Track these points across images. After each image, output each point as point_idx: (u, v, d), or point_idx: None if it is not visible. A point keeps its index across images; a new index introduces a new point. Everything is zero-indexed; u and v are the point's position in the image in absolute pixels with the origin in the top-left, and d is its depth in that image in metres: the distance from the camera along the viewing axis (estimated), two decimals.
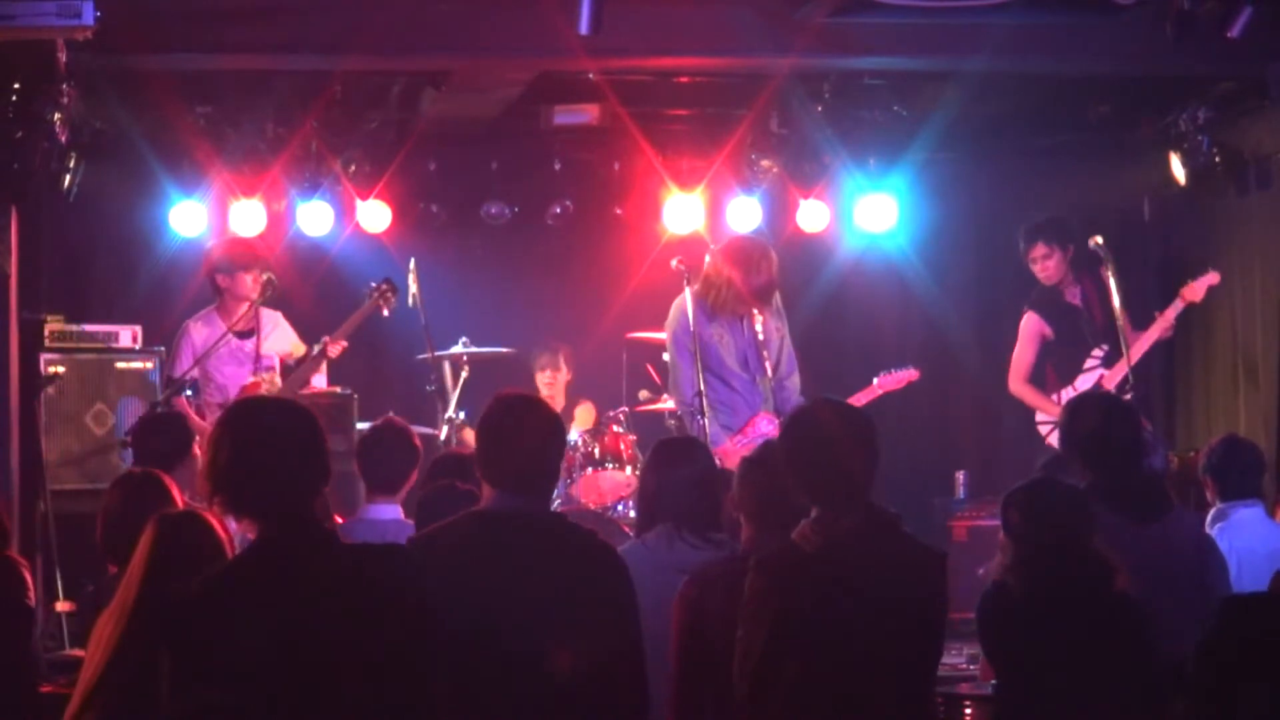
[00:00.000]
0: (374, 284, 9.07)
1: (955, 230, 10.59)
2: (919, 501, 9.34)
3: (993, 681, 4.97)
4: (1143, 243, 10.57)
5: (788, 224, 10.42)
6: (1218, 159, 9.29)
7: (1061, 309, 9.09)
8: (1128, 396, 8.31)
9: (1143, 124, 9.91)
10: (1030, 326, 9.15)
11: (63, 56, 7.56)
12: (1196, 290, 8.81)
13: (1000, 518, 4.81)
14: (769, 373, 8.24)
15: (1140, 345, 8.87)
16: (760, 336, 8.25)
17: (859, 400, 8.51)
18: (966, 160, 10.48)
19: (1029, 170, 10.29)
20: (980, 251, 10.83)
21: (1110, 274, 8.51)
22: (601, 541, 4.35)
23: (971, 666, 6.76)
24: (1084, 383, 8.90)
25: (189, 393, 8.86)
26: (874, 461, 4.34)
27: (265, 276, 8.96)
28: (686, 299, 8.23)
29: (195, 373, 8.91)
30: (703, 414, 8.05)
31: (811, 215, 10.30)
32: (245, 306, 8.99)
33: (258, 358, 9.01)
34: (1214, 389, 10.05)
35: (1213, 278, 8.88)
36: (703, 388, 8.11)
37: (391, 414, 7.24)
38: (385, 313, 9.05)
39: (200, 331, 9.00)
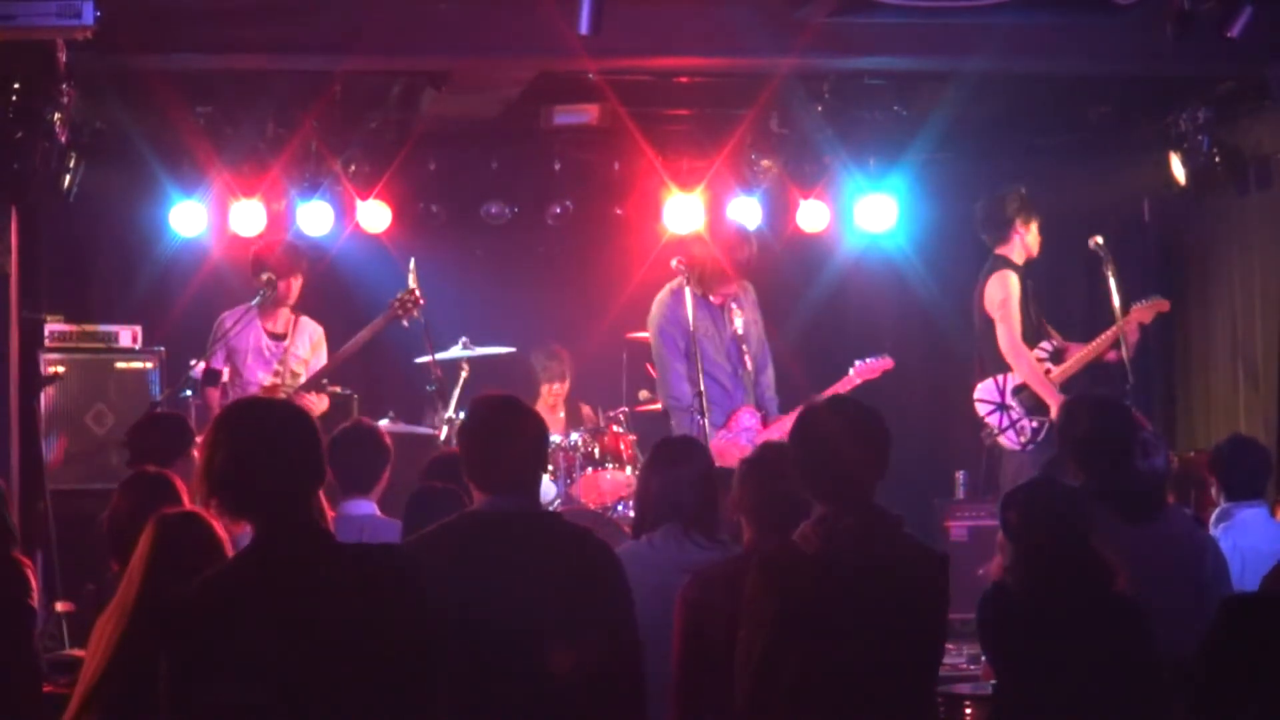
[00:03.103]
0: (399, 294, 8.96)
1: (955, 230, 10.57)
2: (919, 501, 9.35)
3: (993, 681, 4.97)
4: (1143, 243, 10.57)
5: (788, 224, 10.43)
6: (1218, 159, 9.29)
7: (1022, 288, 8.80)
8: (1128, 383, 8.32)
9: (1143, 124, 9.92)
10: (1013, 285, 8.66)
11: (63, 56, 7.55)
12: (1145, 313, 8.68)
13: (999, 518, 4.81)
14: (748, 366, 8.28)
15: (1093, 349, 8.72)
16: (740, 331, 8.30)
17: (837, 390, 8.53)
18: (966, 160, 10.47)
19: (1029, 170, 10.28)
20: (980, 251, 10.81)
21: (1110, 274, 8.50)
22: (597, 539, 4.36)
23: (972, 666, 6.77)
24: None
25: (187, 391, 8.91)
26: (879, 463, 4.32)
27: (265, 276, 8.97)
28: (686, 293, 8.25)
29: (222, 363, 8.95)
30: (703, 413, 8.07)
31: (811, 215, 10.31)
32: (283, 310, 9.05)
33: (284, 361, 9.02)
34: (1214, 389, 10.05)
35: (1162, 305, 8.77)
36: (703, 387, 8.15)
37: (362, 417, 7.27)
38: (405, 324, 8.99)
39: (232, 322, 8.98)
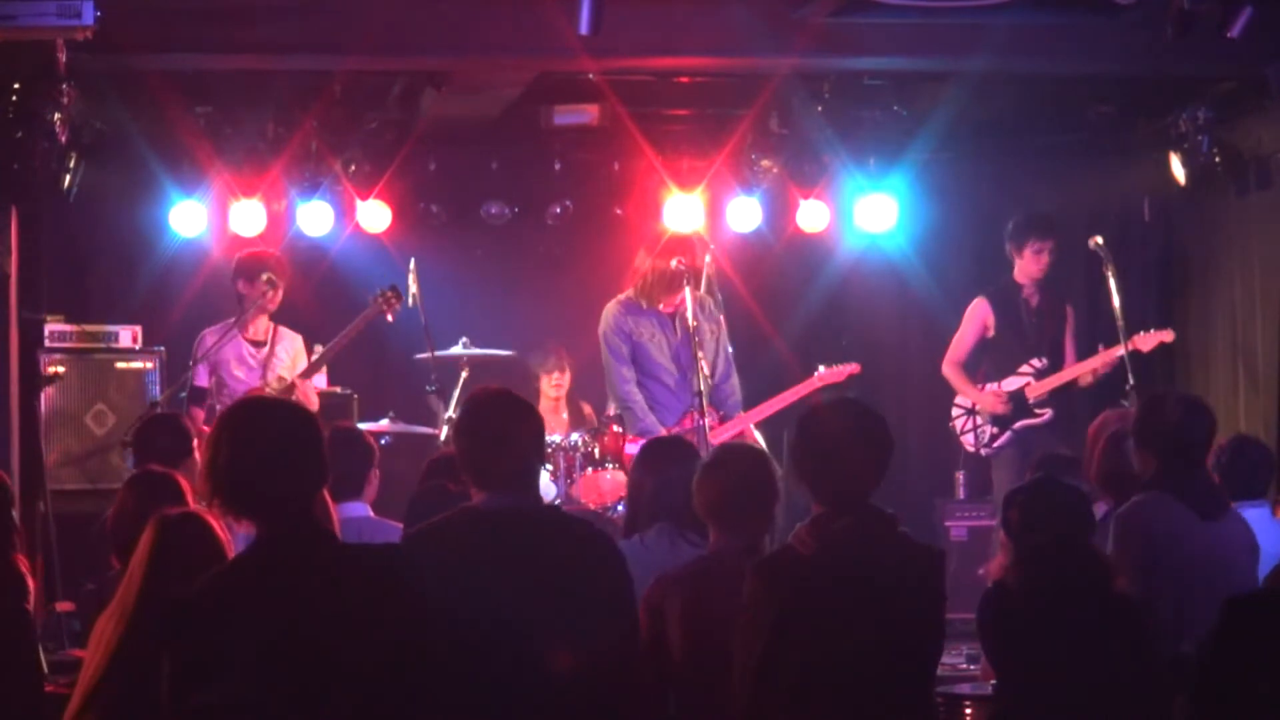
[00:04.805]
0: (380, 290, 9.03)
1: (955, 230, 10.59)
2: (919, 501, 9.35)
3: (993, 681, 4.97)
4: (1143, 243, 10.57)
5: (788, 224, 10.42)
6: (1218, 159, 9.29)
7: (1015, 307, 9.16)
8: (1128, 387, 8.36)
9: (1143, 124, 9.92)
10: (977, 313, 9.21)
11: (63, 56, 7.55)
12: (1147, 341, 8.82)
13: (1001, 517, 4.81)
14: (703, 370, 8.33)
15: (1074, 370, 8.94)
16: (695, 338, 8.39)
17: (800, 391, 8.71)
18: (966, 160, 10.47)
19: (1029, 170, 10.29)
20: (980, 251, 10.83)
21: (1110, 274, 8.51)
22: (597, 531, 4.38)
23: (971, 666, 6.76)
24: (1008, 385, 9.03)
25: (183, 394, 8.93)
26: (877, 464, 4.32)
27: (265, 276, 8.98)
28: (688, 297, 8.27)
29: (206, 379, 8.96)
30: (703, 414, 8.10)
31: (811, 215, 10.30)
32: (262, 318, 9.08)
33: (266, 367, 9.04)
34: (1214, 389, 10.04)
35: (1166, 335, 8.93)
36: (703, 387, 8.17)
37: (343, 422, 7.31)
38: (390, 318, 9.04)
39: (213, 339, 9.00)
